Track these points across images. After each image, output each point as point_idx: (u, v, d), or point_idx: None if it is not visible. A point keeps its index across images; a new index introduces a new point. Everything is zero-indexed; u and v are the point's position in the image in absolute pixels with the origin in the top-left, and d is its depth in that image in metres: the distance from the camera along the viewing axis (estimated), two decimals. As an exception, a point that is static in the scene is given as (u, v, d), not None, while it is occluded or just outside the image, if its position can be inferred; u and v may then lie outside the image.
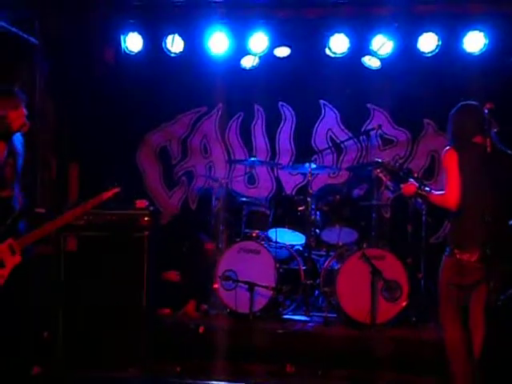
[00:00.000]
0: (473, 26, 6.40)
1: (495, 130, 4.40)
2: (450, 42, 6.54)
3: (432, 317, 6.00)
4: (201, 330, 5.40)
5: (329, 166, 7.04)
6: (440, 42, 6.52)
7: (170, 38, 6.89)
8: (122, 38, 6.92)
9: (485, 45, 6.43)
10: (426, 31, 6.50)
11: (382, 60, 6.94)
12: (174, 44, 6.90)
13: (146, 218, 5.46)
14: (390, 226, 6.87)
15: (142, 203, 5.63)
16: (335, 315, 5.93)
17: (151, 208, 5.59)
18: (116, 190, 4.27)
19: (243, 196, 6.94)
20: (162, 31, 6.88)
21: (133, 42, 6.94)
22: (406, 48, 6.67)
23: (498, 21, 6.30)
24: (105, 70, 7.07)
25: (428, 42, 6.53)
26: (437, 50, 6.56)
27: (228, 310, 5.87)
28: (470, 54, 6.55)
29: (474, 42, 6.45)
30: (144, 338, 5.20)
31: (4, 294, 3.91)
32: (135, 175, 7.68)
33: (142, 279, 5.30)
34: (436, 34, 6.49)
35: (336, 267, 5.93)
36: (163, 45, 6.91)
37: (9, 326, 3.96)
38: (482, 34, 6.40)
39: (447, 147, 4.21)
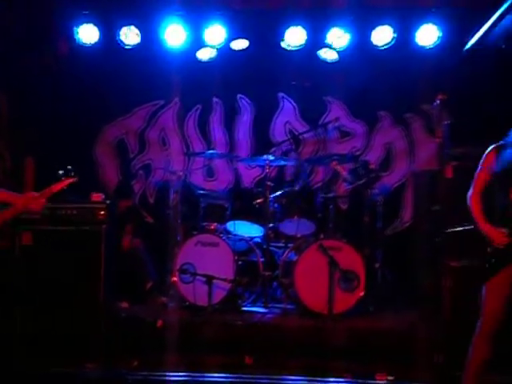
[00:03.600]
0: (426, 19, 6.50)
1: (447, 122, 4.47)
2: (405, 35, 6.62)
3: (388, 306, 6.13)
4: (159, 323, 5.37)
5: (287, 159, 7.05)
6: (395, 35, 6.59)
7: (125, 29, 6.79)
8: (75, 29, 6.80)
9: (438, 38, 6.53)
10: (381, 24, 6.57)
11: (338, 53, 6.99)
12: (130, 36, 6.80)
13: (102, 212, 5.40)
14: (347, 217, 6.97)
15: (97, 197, 5.57)
16: (293, 306, 5.97)
17: (107, 201, 5.53)
18: (71, 179, 4.19)
19: (201, 189, 6.92)
20: (118, 23, 6.77)
21: (87, 34, 6.81)
22: (362, 41, 6.73)
23: (451, 14, 6.41)
24: (58, 62, 6.95)
25: (383, 35, 6.60)
26: (392, 43, 6.64)
27: (186, 303, 5.86)
28: (423, 47, 6.65)
29: (428, 34, 6.55)
30: (101, 332, 5.15)
31: None
32: (92, 168, 7.59)
33: (99, 273, 5.25)
34: (391, 26, 6.56)
35: (294, 259, 5.97)
36: (118, 36, 6.81)
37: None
38: (435, 27, 6.50)
39: None
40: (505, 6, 5.45)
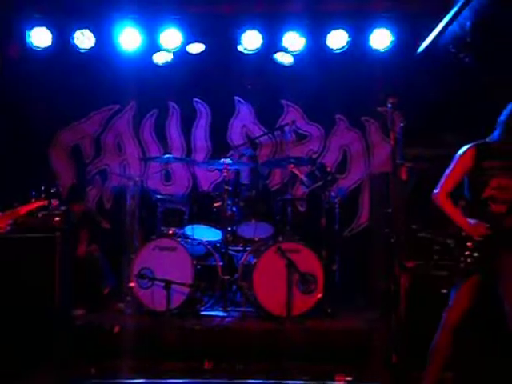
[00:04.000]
0: (379, 23, 6.60)
1: (401, 124, 4.54)
2: (359, 39, 6.72)
3: (346, 307, 6.19)
4: (116, 330, 5.31)
5: (244, 162, 7.07)
6: (349, 39, 6.68)
7: (79, 33, 6.71)
8: (27, 33, 6.68)
9: (391, 42, 6.64)
10: (336, 28, 6.65)
11: (294, 56, 7.04)
12: (84, 39, 6.73)
13: (57, 219, 5.32)
14: (304, 219, 7.01)
15: (53, 203, 5.47)
16: (252, 309, 5.97)
17: (63, 208, 5.44)
18: (41, 202, 4.07)
19: (159, 193, 6.87)
20: (71, 26, 6.69)
21: (40, 37, 6.71)
22: (317, 44, 6.80)
23: (403, 18, 6.53)
24: (10, 67, 6.80)
25: (337, 39, 6.69)
26: (346, 47, 6.72)
27: (145, 309, 5.80)
28: (377, 51, 6.75)
29: (381, 38, 6.66)
30: (56, 339, 5.06)
31: None
32: (47, 174, 7.46)
33: (54, 280, 5.16)
34: (345, 31, 6.64)
35: (252, 262, 5.97)
36: (73, 40, 6.73)
37: None
38: (388, 31, 6.61)
39: None
40: (453, 10, 5.58)
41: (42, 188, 4.26)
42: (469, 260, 3.95)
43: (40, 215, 5.32)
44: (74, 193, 7.16)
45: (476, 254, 3.95)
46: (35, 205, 4.02)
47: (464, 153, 4.05)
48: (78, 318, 5.63)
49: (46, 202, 4.05)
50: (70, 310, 5.63)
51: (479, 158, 3.98)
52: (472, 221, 3.99)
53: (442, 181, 4.10)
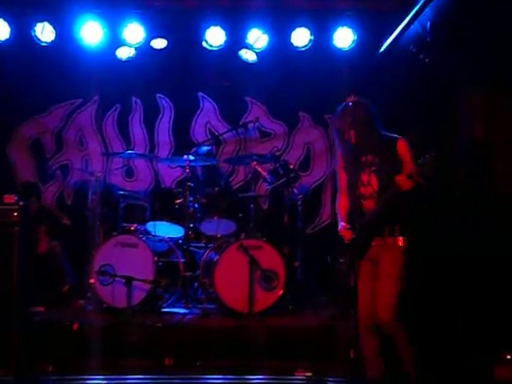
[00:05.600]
0: (342, 22, 6.64)
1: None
2: (322, 38, 6.74)
3: (308, 304, 6.24)
4: (75, 326, 5.25)
5: (207, 159, 7.05)
6: (312, 37, 6.70)
7: (39, 26, 6.59)
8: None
9: (353, 41, 6.69)
10: (299, 26, 6.66)
11: (258, 53, 7.05)
12: (45, 32, 6.61)
13: (15, 214, 5.23)
14: (267, 216, 7.03)
15: (10, 198, 5.39)
16: (214, 306, 5.97)
17: (21, 203, 5.36)
18: None
19: (121, 189, 6.81)
20: (31, 19, 6.56)
21: (-2, 30, 6.59)
22: (281, 42, 6.80)
23: (366, 17, 6.58)
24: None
25: (301, 37, 6.70)
26: (309, 45, 6.75)
27: (105, 306, 5.75)
28: (340, 49, 6.80)
29: (344, 37, 6.70)
30: (14, 337, 4.98)
31: None
32: (6, 168, 7.33)
33: (12, 276, 5.08)
34: (308, 29, 6.67)
35: (214, 259, 5.97)
36: (33, 33, 6.61)
37: None
38: (350, 30, 6.66)
39: (401, 136, 4.10)
40: (414, 10, 5.65)
41: None
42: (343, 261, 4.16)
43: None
44: (29, 188, 7.04)
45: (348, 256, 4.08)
46: None
47: (338, 156, 4.29)
48: (37, 315, 5.55)
49: None
50: (29, 306, 5.55)
51: (345, 159, 4.19)
52: (341, 224, 4.17)
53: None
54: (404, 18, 5.91)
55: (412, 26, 5.85)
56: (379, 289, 4.04)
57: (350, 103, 4.05)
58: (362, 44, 6.71)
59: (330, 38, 6.73)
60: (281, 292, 5.80)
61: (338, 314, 5.57)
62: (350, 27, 6.64)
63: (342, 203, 4.25)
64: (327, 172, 7.57)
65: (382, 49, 6.53)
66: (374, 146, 4.04)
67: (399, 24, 6.02)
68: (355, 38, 6.65)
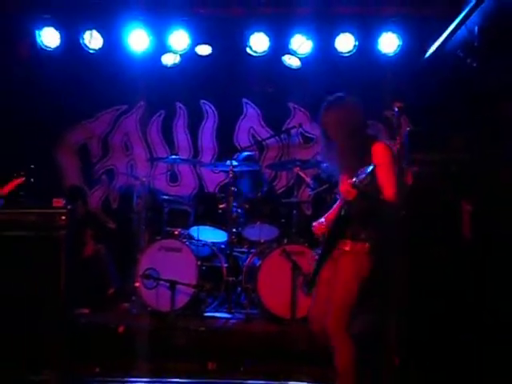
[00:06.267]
0: (387, 27, 6.61)
1: (407, 128, 4.54)
2: (366, 43, 6.73)
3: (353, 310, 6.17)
4: (120, 329, 5.33)
5: (250, 164, 7.08)
6: (356, 43, 6.69)
7: (88, 33, 6.76)
8: (37, 33, 6.74)
9: (398, 46, 6.64)
10: (343, 32, 6.66)
11: (301, 59, 7.06)
12: (93, 40, 6.77)
13: (63, 217, 5.33)
14: (310, 222, 6.98)
15: (59, 202, 5.50)
16: (257, 311, 5.98)
17: (69, 207, 5.46)
18: (19, 180, 4.09)
19: (165, 194, 6.89)
20: (80, 27, 6.75)
21: (49, 38, 6.78)
22: (325, 48, 6.82)
23: (411, 23, 6.54)
24: (20, 66, 6.87)
25: (345, 43, 6.70)
26: (354, 51, 6.73)
27: (149, 309, 5.82)
28: (384, 55, 6.76)
29: (389, 42, 6.66)
30: (61, 338, 5.07)
31: None
32: (54, 173, 7.50)
33: (59, 279, 5.17)
34: (352, 34, 6.66)
35: (257, 264, 5.98)
36: (81, 41, 6.78)
37: None
38: (395, 35, 6.61)
39: (381, 142, 3.91)
40: (461, 15, 5.58)
41: (32, 166, 4.26)
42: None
43: (46, 213, 5.35)
44: (76, 193, 7.19)
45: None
46: (14, 183, 4.04)
47: None
48: (82, 317, 5.66)
49: (23, 179, 4.06)
50: (75, 308, 5.65)
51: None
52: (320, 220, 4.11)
53: None
54: (450, 23, 5.84)
55: (459, 31, 5.78)
56: (331, 296, 3.83)
57: (396, 109, 4.00)
58: (407, 49, 6.66)
59: (374, 43, 6.72)
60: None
61: (379, 321, 5.51)
62: (394, 32, 6.60)
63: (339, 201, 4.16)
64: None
65: (428, 54, 6.46)
66: (353, 146, 3.83)
67: (445, 29, 5.96)
68: (400, 43, 6.62)
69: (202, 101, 7.66)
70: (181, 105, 7.67)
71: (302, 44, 6.77)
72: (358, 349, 4.39)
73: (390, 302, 4.64)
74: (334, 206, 4.22)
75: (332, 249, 3.88)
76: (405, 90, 6.40)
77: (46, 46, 6.82)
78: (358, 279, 3.81)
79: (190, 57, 7.09)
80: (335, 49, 6.75)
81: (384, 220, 3.91)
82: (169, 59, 7.21)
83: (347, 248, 3.82)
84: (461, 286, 4.73)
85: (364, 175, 3.47)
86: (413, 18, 6.50)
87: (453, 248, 4.54)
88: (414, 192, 5.32)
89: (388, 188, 3.75)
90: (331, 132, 3.89)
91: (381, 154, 3.79)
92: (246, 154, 6.98)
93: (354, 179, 3.50)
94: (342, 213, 3.79)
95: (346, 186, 3.58)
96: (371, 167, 3.49)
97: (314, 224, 4.10)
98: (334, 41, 6.71)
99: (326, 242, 3.94)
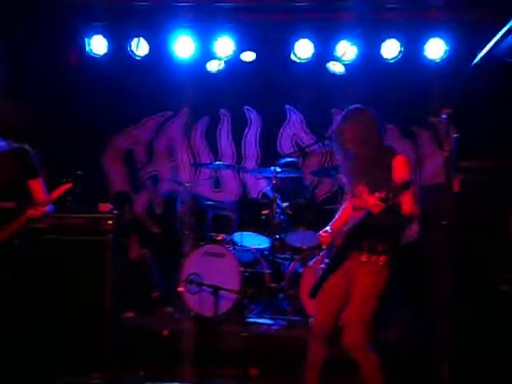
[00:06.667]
0: (434, 33, 6.54)
1: (455, 135, 4.48)
2: (412, 49, 6.67)
3: (391, 319, 6.10)
4: (165, 333, 5.38)
5: (293, 171, 7.07)
6: (402, 49, 6.63)
7: (134, 41, 6.88)
8: (86, 40, 6.89)
9: (445, 51, 6.56)
10: (389, 38, 6.61)
11: (346, 65, 7.03)
12: (139, 47, 6.89)
13: (109, 222, 5.41)
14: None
15: (105, 207, 5.58)
16: (299, 318, 5.95)
17: (115, 212, 5.55)
18: (68, 185, 4.15)
19: (208, 200, 6.93)
20: (127, 34, 6.88)
21: (97, 45, 6.92)
22: (370, 54, 6.78)
23: (458, 28, 6.45)
24: (70, 73, 7.02)
25: (391, 49, 6.65)
26: (399, 57, 6.68)
27: (192, 314, 5.85)
28: (431, 61, 6.68)
29: (435, 48, 6.59)
30: (107, 341, 5.14)
31: None
32: (100, 178, 7.63)
33: (105, 283, 5.25)
34: (398, 40, 6.60)
35: (300, 270, 5.96)
36: (128, 48, 6.90)
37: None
38: (442, 41, 6.53)
39: (402, 155, 3.90)
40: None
41: (79, 172, 4.33)
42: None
43: (93, 218, 5.45)
44: (123, 198, 7.30)
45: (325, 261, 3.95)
46: (62, 188, 4.10)
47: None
48: (128, 321, 5.73)
49: (71, 185, 4.12)
50: (121, 312, 5.73)
51: (345, 166, 4.03)
52: (324, 229, 4.05)
53: None
54: (499, 28, 5.73)
55: (508, 37, 5.67)
56: (349, 309, 3.79)
57: (445, 116, 3.95)
58: (454, 55, 6.57)
59: (420, 49, 6.64)
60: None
61: (426, 331, 5.43)
62: (441, 38, 6.52)
63: (344, 208, 4.13)
64: (415, 186, 7.38)
65: (476, 60, 6.36)
66: (373, 158, 3.78)
67: (494, 34, 5.85)
68: (447, 48, 6.52)
69: (246, 107, 7.69)
70: (225, 111, 7.72)
71: (346, 50, 6.74)
72: (404, 361, 4.37)
73: (438, 312, 4.59)
74: (339, 213, 4.17)
75: (343, 260, 3.85)
76: (452, 96, 6.30)
77: (94, 54, 6.97)
78: (375, 292, 3.77)
79: (234, 63, 7.15)
80: (380, 55, 6.70)
81: (400, 234, 3.98)
82: (213, 65, 7.27)
83: (364, 259, 3.77)
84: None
85: (395, 191, 3.46)
86: (461, 22, 6.41)
87: (502, 257, 4.45)
88: (461, 200, 5.25)
89: (407, 203, 3.70)
90: (349, 143, 3.84)
91: (404, 168, 3.78)
92: (288, 160, 6.98)
93: (382, 193, 3.47)
94: (361, 224, 3.73)
95: (374, 200, 3.53)
96: (405, 183, 3.49)
97: (321, 233, 4.04)
98: (379, 47, 6.66)
99: (337, 253, 3.88)
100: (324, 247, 4.00)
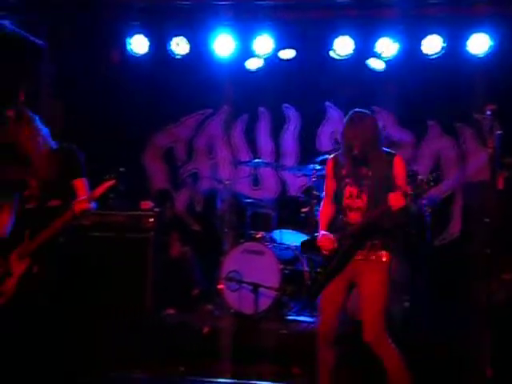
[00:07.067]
0: (477, 27, 6.41)
1: (499, 132, 4.40)
2: (455, 44, 6.55)
3: (432, 318, 6.03)
4: (205, 330, 5.42)
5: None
6: (444, 44, 6.52)
7: (175, 40, 6.92)
8: (127, 40, 6.97)
9: (490, 46, 6.43)
10: (431, 33, 6.51)
11: (386, 62, 6.95)
12: (180, 46, 6.93)
13: (150, 220, 5.49)
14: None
15: (146, 204, 5.67)
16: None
17: (156, 209, 5.61)
18: (111, 182, 4.19)
19: (248, 197, 6.96)
20: (168, 33, 6.92)
21: (138, 44, 6.99)
22: (411, 50, 6.68)
23: (503, 22, 6.31)
24: (111, 72, 7.12)
25: (432, 44, 6.55)
26: (441, 52, 6.57)
27: (232, 311, 5.88)
28: (474, 56, 6.56)
29: (479, 43, 6.45)
30: (148, 338, 5.21)
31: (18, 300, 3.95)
32: (142, 176, 7.72)
33: (147, 280, 5.32)
34: (440, 36, 6.50)
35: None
36: (169, 47, 6.95)
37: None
38: (486, 35, 6.40)
39: (400, 155, 4.07)
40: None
41: (122, 169, 4.35)
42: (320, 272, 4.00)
43: (135, 215, 5.52)
44: (164, 196, 7.37)
45: (325, 266, 3.97)
46: (105, 186, 4.14)
47: (326, 164, 4.22)
48: (169, 318, 5.79)
49: (114, 181, 4.15)
50: (162, 309, 5.79)
51: (336, 168, 4.09)
52: (321, 233, 4.03)
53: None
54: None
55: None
56: (365, 306, 3.92)
57: (489, 112, 3.88)
58: (499, 50, 6.42)
59: (463, 44, 6.52)
60: (405, 304, 5.66)
61: (469, 331, 5.35)
62: (486, 33, 6.38)
63: (326, 211, 4.16)
64: (457, 183, 7.29)
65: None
66: (372, 160, 3.93)
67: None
68: (492, 43, 6.39)
69: (285, 105, 7.68)
70: (264, 109, 7.72)
71: (387, 47, 6.66)
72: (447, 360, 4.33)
73: (479, 310, 4.52)
74: (322, 217, 4.17)
75: (349, 261, 3.93)
76: (496, 92, 6.18)
77: (135, 53, 7.04)
78: (385, 288, 3.92)
79: (273, 61, 7.13)
80: (421, 51, 6.61)
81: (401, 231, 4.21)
82: (253, 63, 7.27)
83: (370, 258, 3.90)
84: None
85: (423, 185, 3.69)
86: (506, 16, 6.26)
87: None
88: (505, 197, 5.16)
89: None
90: (355, 146, 3.91)
91: (404, 167, 3.98)
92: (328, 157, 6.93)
93: (407, 188, 3.67)
94: (373, 223, 3.84)
95: (397, 195, 3.69)
96: (433, 178, 3.73)
97: (321, 239, 4.01)
98: (420, 43, 6.56)
99: (343, 254, 3.93)
100: (326, 252, 3.99)
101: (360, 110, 4.06)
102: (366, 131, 3.91)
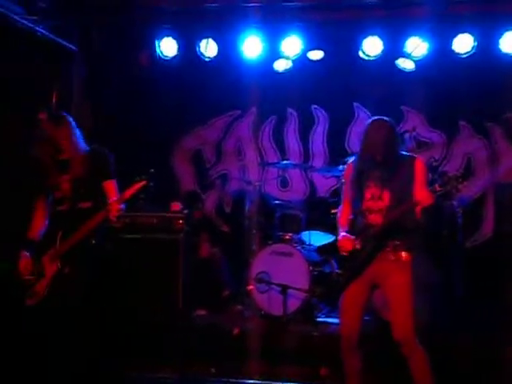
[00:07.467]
0: (510, 26, 6.31)
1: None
2: (486, 43, 6.46)
3: (464, 322, 5.95)
4: (235, 331, 5.43)
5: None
6: (476, 43, 6.44)
7: (204, 42, 6.95)
8: (156, 43, 7.02)
9: (523, 45, 6.33)
10: (462, 32, 6.44)
11: (416, 62, 6.89)
12: (208, 48, 6.96)
13: (180, 221, 5.52)
14: (424, 228, 6.81)
15: (176, 206, 5.70)
16: (369, 317, 5.87)
17: (185, 211, 5.64)
18: (142, 183, 4.20)
19: (276, 199, 6.96)
20: (196, 36, 6.95)
21: (167, 47, 7.04)
22: (441, 49, 6.61)
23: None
24: (140, 75, 7.18)
25: (463, 43, 6.47)
26: (473, 51, 6.49)
27: (262, 312, 5.88)
28: (506, 55, 6.46)
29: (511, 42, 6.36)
30: (179, 339, 5.24)
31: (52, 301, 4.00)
32: (170, 178, 7.77)
33: (178, 281, 5.35)
34: (471, 34, 6.42)
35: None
36: (197, 49, 6.99)
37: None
38: (520, 33, 6.31)
39: (420, 157, 4.13)
40: None
41: (152, 170, 4.37)
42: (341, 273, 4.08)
43: (165, 217, 5.55)
44: (193, 197, 7.40)
45: (347, 268, 4.02)
46: (136, 187, 4.15)
47: (346, 168, 4.31)
48: (199, 319, 5.81)
49: (146, 182, 4.16)
50: (192, 310, 5.81)
51: (355, 172, 4.10)
52: (342, 234, 4.05)
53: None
54: None
55: None
56: (394, 307, 3.96)
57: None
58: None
59: (495, 43, 6.43)
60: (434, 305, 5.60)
61: (501, 332, 5.27)
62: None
63: (345, 212, 4.20)
64: (489, 183, 7.19)
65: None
66: (393, 163, 3.98)
67: None
68: (525, 42, 6.29)
69: (313, 106, 7.66)
70: (292, 110, 7.71)
71: (417, 46, 6.60)
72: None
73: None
74: (341, 219, 4.22)
75: (371, 261, 3.94)
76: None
77: (164, 56, 7.08)
78: (410, 287, 3.94)
79: (301, 62, 7.12)
80: (452, 50, 6.53)
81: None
82: (281, 65, 7.27)
83: (393, 258, 3.93)
84: None
85: (453, 182, 3.70)
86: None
87: None
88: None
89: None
90: (377, 153, 3.97)
91: (425, 169, 4.05)
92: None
93: (435, 187, 3.70)
94: (395, 222, 3.86)
95: (426, 192, 3.74)
96: (462, 175, 3.76)
97: (341, 239, 4.05)
98: (451, 42, 6.49)
99: (366, 256, 3.94)
100: (345, 253, 4.02)
101: (379, 117, 4.13)
102: (384, 136, 3.97)
